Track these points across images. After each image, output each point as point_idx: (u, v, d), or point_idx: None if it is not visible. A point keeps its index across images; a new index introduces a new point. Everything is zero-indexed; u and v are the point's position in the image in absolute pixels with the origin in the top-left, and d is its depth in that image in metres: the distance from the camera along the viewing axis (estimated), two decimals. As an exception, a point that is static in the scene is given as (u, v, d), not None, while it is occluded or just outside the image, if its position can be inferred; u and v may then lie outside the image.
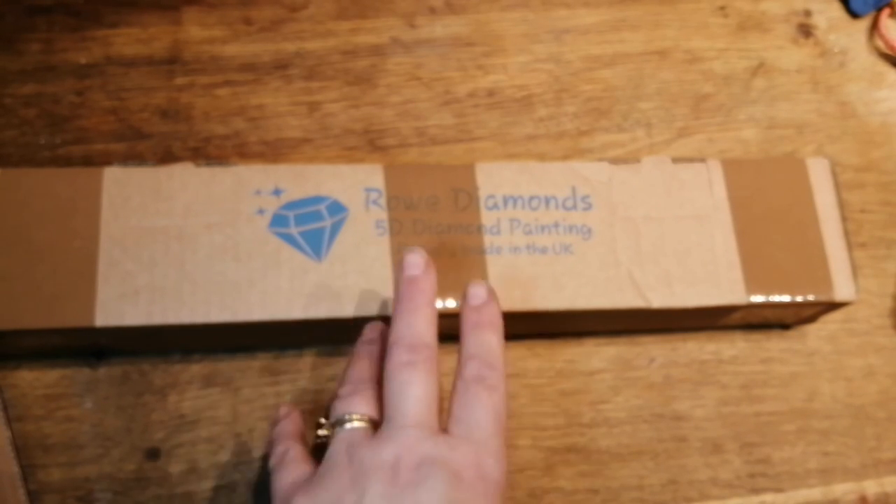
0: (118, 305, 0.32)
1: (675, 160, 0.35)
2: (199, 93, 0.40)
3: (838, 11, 0.45)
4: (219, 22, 0.41)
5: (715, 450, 0.37)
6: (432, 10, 0.43)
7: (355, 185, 0.34)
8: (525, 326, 0.35)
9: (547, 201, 0.34)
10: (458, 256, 0.33)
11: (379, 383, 0.27)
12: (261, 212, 0.33)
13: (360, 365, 0.29)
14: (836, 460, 0.37)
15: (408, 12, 0.43)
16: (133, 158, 0.39)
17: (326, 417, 0.28)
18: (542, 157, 0.41)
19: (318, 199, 0.34)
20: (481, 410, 0.26)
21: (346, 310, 0.32)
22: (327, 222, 0.33)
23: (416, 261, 0.28)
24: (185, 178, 0.33)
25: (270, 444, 0.30)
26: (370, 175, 0.34)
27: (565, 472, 0.36)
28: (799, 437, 0.37)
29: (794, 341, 0.39)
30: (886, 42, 0.44)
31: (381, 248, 0.33)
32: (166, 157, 0.39)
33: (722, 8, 0.45)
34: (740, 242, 0.34)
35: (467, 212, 0.34)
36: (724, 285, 0.34)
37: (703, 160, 0.35)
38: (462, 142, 0.41)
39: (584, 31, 0.43)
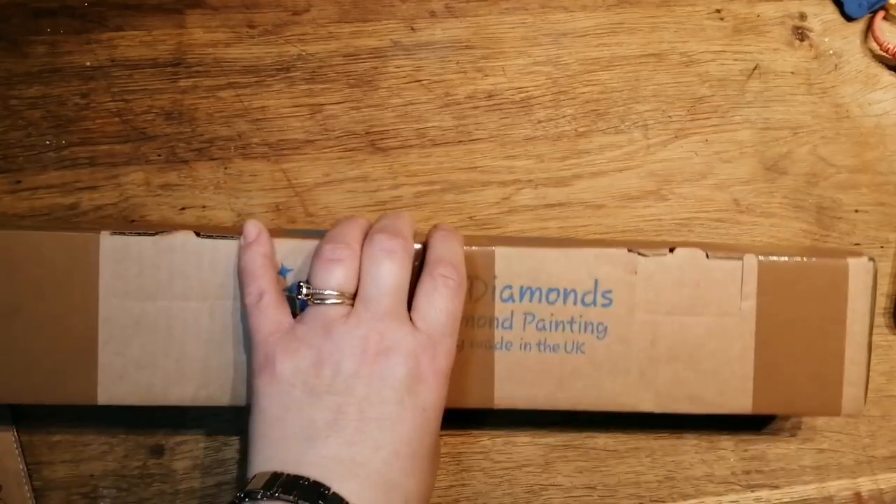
0: (119, 386, 0.31)
1: (711, 255, 0.33)
2: (203, 95, 0.41)
3: (833, 14, 0.46)
4: (222, 25, 0.42)
5: (711, 446, 0.37)
6: (432, 14, 0.43)
7: None
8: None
9: (566, 295, 0.32)
10: (464, 350, 0.32)
11: (358, 251, 0.30)
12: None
13: (348, 228, 0.31)
14: (830, 457, 0.38)
15: (408, 16, 0.43)
16: (137, 160, 0.40)
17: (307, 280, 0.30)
18: (540, 159, 0.41)
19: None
20: (442, 309, 0.29)
21: None
22: None
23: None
24: (186, 250, 0.31)
25: (241, 274, 0.30)
26: None
27: (563, 468, 0.36)
28: (794, 434, 0.38)
29: (789, 340, 0.39)
30: (881, 44, 0.44)
31: None
32: (170, 159, 0.40)
33: (718, 11, 0.45)
34: (758, 353, 0.32)
35: (480, 303, 0.32)
36: (732, 396, 0.32)
37: (739, 257, 0.33)
38: (462, 143, 0.41)
39: (582, 35, 0.44)
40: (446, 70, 0.42)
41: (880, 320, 0.40)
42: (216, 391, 0.31)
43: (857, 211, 0.42)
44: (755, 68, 0.44)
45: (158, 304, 0.31)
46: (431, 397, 0.28)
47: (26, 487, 0.34)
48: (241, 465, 0.35)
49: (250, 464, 0.28)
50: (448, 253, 0.31)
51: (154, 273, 0.31)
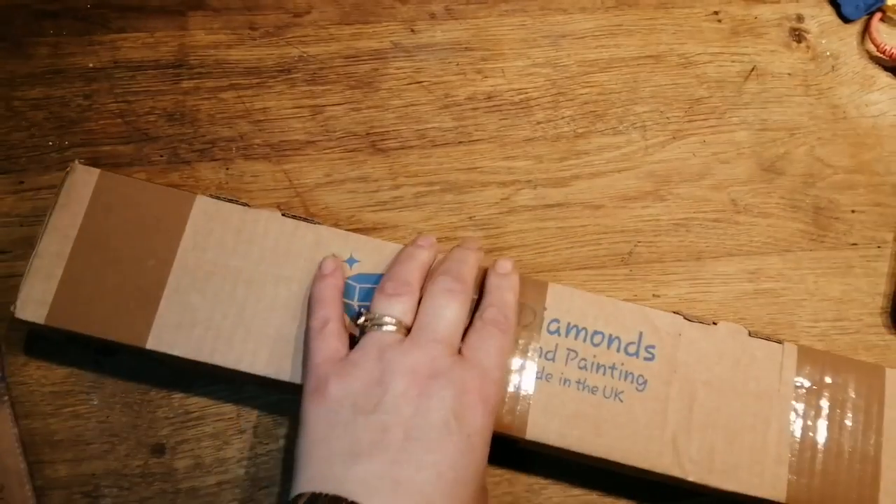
0: (171, 334, 0.32)
1: (753, 334, 0.34)
2: (205, 96, 0.41)
3: (830, 16, 0.46)
4: (224, 27, 0.42)
5: (709, 445, 0.37)
6: (432, 16, 0.44)
7: None
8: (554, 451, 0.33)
9: (610, 341, 0.33)
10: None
11: (418, 291, 0.31)
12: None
13: (408, 267, 0.32)
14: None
15: (409, 18, 0.43)
16: (140, 161, 0.40)
17: (366, 309, 0.32)
18: (539, 159, 0.41)
19: (380, 278, 0.33)
20: (493, 345, 0.30)
21: None
22: None
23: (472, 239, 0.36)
24: (269, 225, 0.34)
25: (312, 302, 0.32)
26: None
27: (563, 468, 0.36)
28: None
29: (786, 339, 0.39)
30: (877, 46, 0.45)
31: None
32: (172, 160, 0.40)
33: (716, 13, 0.45)
34: (795, 441, 0.32)
35: (528, 329, 0.33)
36: (767, 479, 0.31)
37: (780, 342, 0.34)
38: (461, 144, 0.41)
39: (581, 36, 0.44)
40: (446, 71, 0.42)
41: (878, 320, 0.40)
42: (260, 361, 0.32)
43: (853, 211, 0.42)
44: (752, 70, 0.44)
45: (230, 266, 0.33)
46: (477, 425, 0.28)
47: (27, 487, 0.34)
48: (243, 463, 0.35)
49: (295, 484, 0.28)
50: (501, 301, 0.32)
51: (234, 237, 0.33)
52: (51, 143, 0.40)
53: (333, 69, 0.42)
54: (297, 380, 0.32)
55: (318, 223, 0.34)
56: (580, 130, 0.42)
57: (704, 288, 0.40)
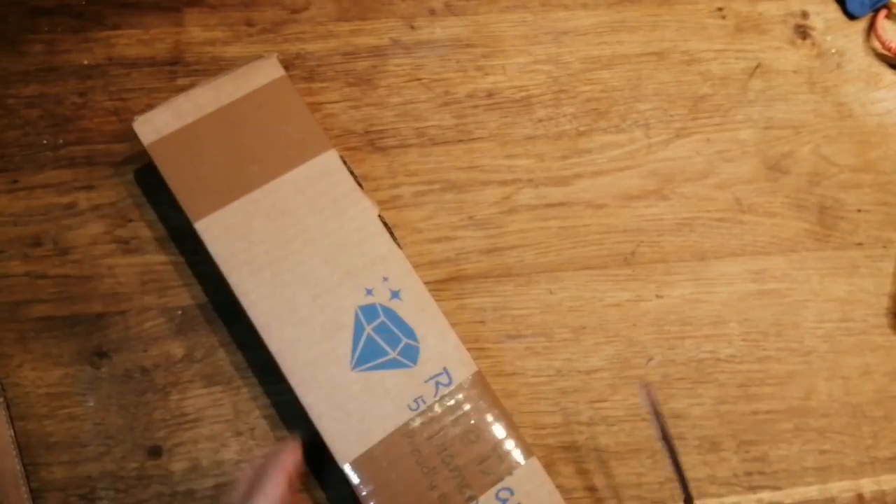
0: (220, 232, 0.34)
1: None
2: (201, 94, 0.40)
3: (835, 13, 0.45)
4: (220, 23, 0.42)
5: (712, 448, 0.37)
6: (432, 12, 0.43)
7: (453, 362, 0.33)
8: None
9: None
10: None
11: None
12: (369, 293, 0.34)
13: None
14: (832, 458, 0.37)
15: (408, 14, 0.43)
16: (135, 159, 0.39)
17: None
18: (541, 158, 0.41)
19: (409, 333, 0.33)
20: None
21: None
22: (391, 355, 0.33)
23: None
24: (360, 213, 0.35)
25: (271, 455, 0.31)
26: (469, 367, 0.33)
27: (564, 469, 0.36)
28: (796, 435, 0.37)
29: (790, 340, 0.39)
30: (883, 43, 0.44)
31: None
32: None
33: (720, 9, 0.45)
34: None
35: None
36: None
37: None
38: (462, 142, 0.41)
39: (583, 33, 0.43)
40: (446, 68, 0.42)
41: (882, 320, 0.40)
42: (260, 308, 0.33)
43: (859, 210, 0.41)
44: (757, 67, 0.44)
45: (306, 219, 0.34)
46: None
47: (24, 489, 0.34)
48: (240, 466, 0.35)
49: None
50: None
51: (329, 202, 0.35)
52: (45, 142, 0.39)
53: (331, 66, 0.42)
54: (271, 346, 0.33)
55: (398, 245, 0.35)
56: (582, 128, 0.42)
57: (708, 288, 0.39)
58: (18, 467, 0.34)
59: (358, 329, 0.33)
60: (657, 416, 0.33)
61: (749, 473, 0.37)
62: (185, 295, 0.37)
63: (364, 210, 0.35)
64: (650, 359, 0.38)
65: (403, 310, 0.34)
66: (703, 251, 0.40)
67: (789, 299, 0.39)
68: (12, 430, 0.34)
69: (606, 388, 0.37)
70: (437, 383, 0.33)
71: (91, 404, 0.35)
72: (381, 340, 0.33)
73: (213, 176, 0.34)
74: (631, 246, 0.40)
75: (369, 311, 0.33)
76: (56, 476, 0.34)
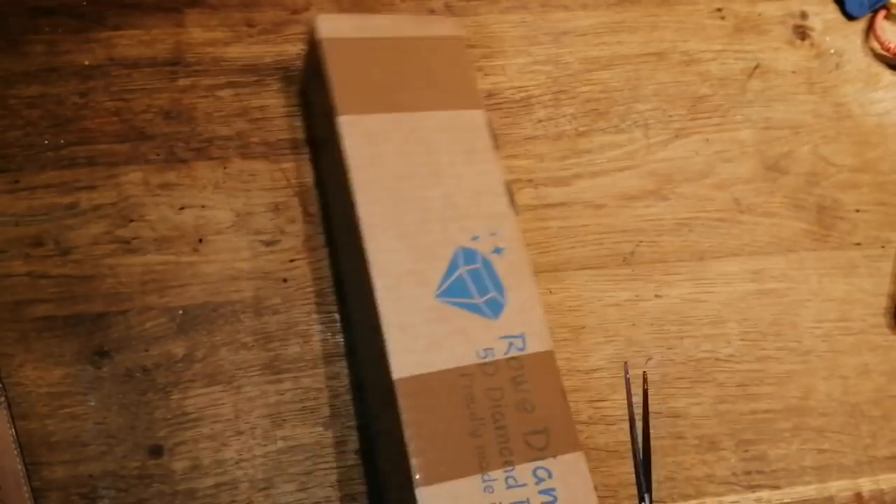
0: (360, 138, 0.34)
1: None
2: (202, 94, 0.41)
3: (834, 13, 0.46)
4: (221, 24, 0.42)
5: (711, 447, 0.37)
6: (432, 13, 0.43)
7: (532, 333, 0.33)
8: None
9: None
10: None
11: None
12: (475, 238, 0.34)
13: None
14: (831, 458, 0.37)
15: (408, 14, 0.43)
16: (136, 159, 0.39)
17: None
18: (540, 158, 0.41)
19: (500, 288, 0.33)
20: None
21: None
22: (477, 300, 0.33)
23: None
24: (492, 165, 0.35)
25: None
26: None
27: (564, 469, 0.36)
28: (795, 434, 0.38)
29: (789, 340, 0.39)
30: (882, 44, 0.44)
31: None
32: (169, 158, 0.39)
33: (719, 10, 0.45)
34: None
35: None
36: None
37: None
38: (462, 143, 0.41)
39: (583, 34, 0.44)
40: (446, 69, 0.42)
41: (881, 320, 0.40)
42: (374, 216, 0.33)
43: (857, 210, 0.42)
44: (756, 67, 0.44)
45: (438, 160, 0.35)
46: None
47: (25, 488, 0.34)
48: (241, 465, 0.35)
49: None
50: None
51: (469, 142, 0.35)
52: (46, 142, 0.39)
53: (332, 67, 0.42)
54: (369, 246, 0.33)
55: (516, 211, 0.34)
56: (582, 129, 0.42)
57: (707, 288, 0.39)
58: (20, 466, 0.34)
59: (453, 265, 0.33)
60: (629, 395, 0.33)
61: (748, 472, 0.37)
62: (185, 294, 0.37)
63: (493, 170, 0.35)
64: (649, 358, 0.38)
65: (501, 266, 0.33)
66: (702, 251, 0.40)
67: (788, 299, 0.40)
68: (13, 430, 0.35)
69: (606, 387, 0.37)
70: (511, 344, 0.33)
71: (92, 404, 0.35)
72: (471, 283, 0.33)
73: (369, 86, 0.35)
74: (630, 246, 0.40)
75: (469, 255, 0.33)
76: (57, 475, 0.34)
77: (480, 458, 0.30)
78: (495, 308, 0.33)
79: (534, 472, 0.31)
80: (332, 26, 0.36)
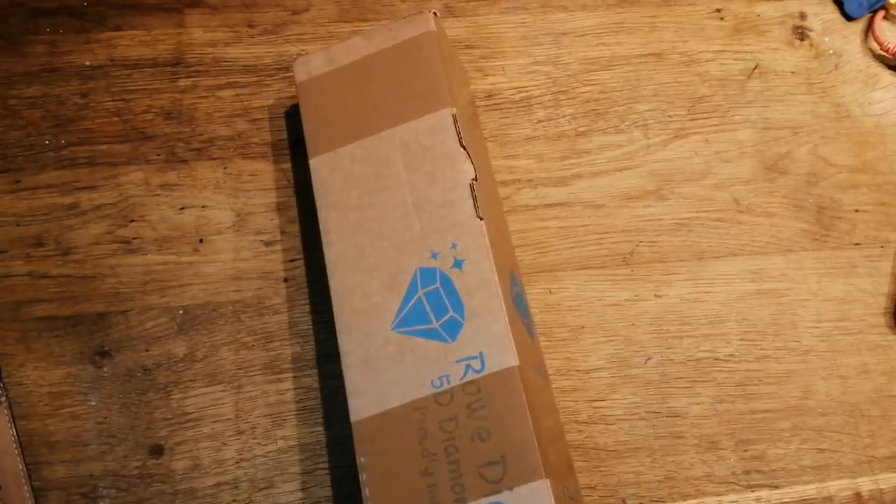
0: (328, 176, 0.35)
1: None
2: (203, 94, 0.41)
3: (833, 14, 0.46)
4: (222, 24, 0.42)
5: (711, 447, 0.37)
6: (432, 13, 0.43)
7: (493, 349, 0.31)
8: None
9: None
10: None
11: None
12: (434, 256, 0.33)
13: None
14: (830, 457, 0.37)
15: (407, 15, 0.43)
16: (137, 159, 0.39)
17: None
18: (540, 158, 0.41)
19: (458, 307, 0.32)
20: None
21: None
22: (433, 325, 0.32)
23: None
24: (459, 169, 0.34)
25: None
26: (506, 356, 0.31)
27: (563, 468, 0.36)
28: (794, 434, 0.38)
29: (788, 340, 0.39)
30: (881, 44, 0.44)
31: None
32: (170, 158, 0.40)
33: (718, 11, 0.45)
34: None
35: None
36: None
37: None
38: (461, 143, 0.41)
39: (582, 34, 0.44)
40: (446, 70, 0.42)
41: (880, 320, 0.40)
42: (332, 245, 0.34)
43: (857, 210, 0.42)
44: (755, 68, 0.44)
45: (401, 176, 0.35)
46: None
47: (26, 487, 0.34)
48: (241, 465, 0.35)
49: None
50: None
51: (435, 148, 0.35)
52: (47, 142, 0.39)
53: (332, 67, 0.42)
54: (332, 287, 0.33)
55: (479, 216, 0.33)
56: (581, 129, 0.42)
57: (706, 288, 0.40)
58: (20, 466, 0.34)
59: (411, 290, 0.33)
60: None
61: (747, 472, 0.37)
62: (186, 294, 0.37)
63: (459, 173, 0.34)
64: (648, 358, 0.38)
65: (460, 281, 0.32)
66: (701, 251, 0.40)
67: (787, 299, 0.40)
68: (14, 429, 0.35)
69: (605, 387, 0.38)
70: (468, 367, 0.31)
71: (93, 403, 0.36)
72: (428, 307, 0.32)
73: (339, 118, 0.36)
74: (629, 246, 0.40)
75: (428, 275, 0.33)
76: (58, 475, 0.35)
77: (431, 499, 0.30)
78: (453, 329, 0.32)
79: None
80: (306, 68, 0.37)
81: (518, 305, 0.34)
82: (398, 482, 0.30)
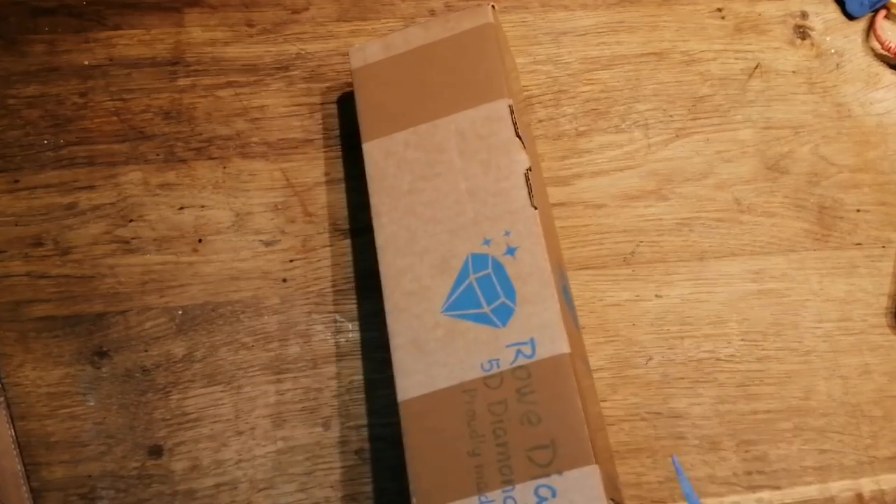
0: (381, 160, 0.35)
1: None
2: (202, 94, 0.41)
3: (834, 13, 0.46)
4: (221, 24, 0.42)
5: (712, 447, 0.37)
6: (432, 13, 0.43)
7: (544, 336, 0.31)
8: None
9: None
10: None
11: None
12: (486, 242, 0.33)
13: None
14: (832, 458, 0.37)
15: (408, 14, 0.43)
16: (136, 159, 0.39)
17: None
18: (540, 158, 0.41)
19: (510, 293, 0.32)
20: None
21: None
22: (484, 310, 0.32)
23: None
24: (513, 158, 0.34)
25: None
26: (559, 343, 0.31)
27: (564, 469, 0.36)
28: (795, 434, 0.38)
29: (790, 340, 0.39)
30: (882, 43, 0.44)
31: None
32: (169, 158, 0.39)
33: (719, 10, 0.45)
34: None
35: None
36: None
37: None
38: (462, 142, 0.41)
39: (583, 33, 0.43)
40: (446, 69, 0.42)
41: (881, 320, 0.40)
42: (384, 226, 0.35)
43: (858, 210, 0.42)
44: (756, 67, 0.44)
45: (456, 164, 0.35)
46: None
47: (24, 488, 0.34)
48: (241, 465, 0.35)
49: None
50: None
51: (489, 137, 0.35)
52: (46, 142, 0.39)
53: (332, 66, 0.42)
54: (382, 269, 0.33)
55: (534, 205, 0.33)
56: (582, 129, 0.42)
57: (708, 288, 0.39)
58: (19, 467, 0.34)
59: (463, 274, 0.33)
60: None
61: (749, 473, 0.37)
62: (185, 295, 0.37)
63: (513, 163, 0.34)
64: (649, 358, 0.38)
65: (513, 268, 0.33)
66: (702, 251, 0.40)
67: (788, 299, 0.40)
68: (13, 430, 0.35)
69: (606, 387, 0.37)
70: (518, 352, 0.32)
71: (92, 404, 0.35)
72: (479, 292, 0.33)
73: (394, 105, 0.36)
74: (630, 246, 0.40)
75: (480, 261, 0.33)
76: (56, 475, 0.34)
77: (478, 479, 0.30)
78: (504, 315, 0.32)
79: (535, 490, 0.29)
80: (362, 55, 0.38)
81: (566, 296, 0.34)
82: (445, 461, 0.30)
